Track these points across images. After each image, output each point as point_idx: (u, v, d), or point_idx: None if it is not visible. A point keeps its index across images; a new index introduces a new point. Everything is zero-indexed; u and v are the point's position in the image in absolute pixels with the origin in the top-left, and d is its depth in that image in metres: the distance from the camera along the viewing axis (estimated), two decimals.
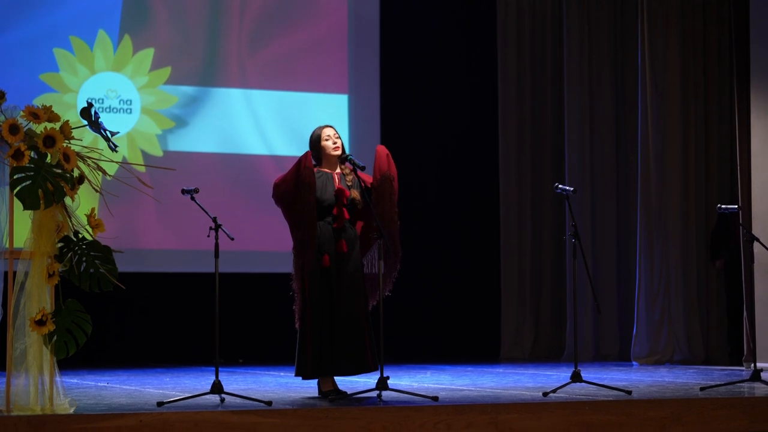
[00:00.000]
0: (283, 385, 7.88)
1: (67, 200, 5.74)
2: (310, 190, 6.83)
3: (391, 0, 11.81)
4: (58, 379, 5.72)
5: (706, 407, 6.55)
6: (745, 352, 10.44)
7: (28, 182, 5.57)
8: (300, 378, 6.93)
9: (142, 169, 9.89)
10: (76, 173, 5.78)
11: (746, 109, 10.65)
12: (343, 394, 6.80)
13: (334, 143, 7.05)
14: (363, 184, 6.98)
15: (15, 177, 5.58)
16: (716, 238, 11.02)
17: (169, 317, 11.01)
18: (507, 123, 12.02)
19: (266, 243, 10.95)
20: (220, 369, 6.57)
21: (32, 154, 5.66)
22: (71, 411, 5.69)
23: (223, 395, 6.46)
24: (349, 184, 7.03)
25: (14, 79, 10.07)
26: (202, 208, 6.72)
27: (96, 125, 5.92)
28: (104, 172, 5.94)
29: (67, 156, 5.68)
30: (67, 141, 5.73)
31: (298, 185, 6.82)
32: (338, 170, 7.07)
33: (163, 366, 10.19)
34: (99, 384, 8.08)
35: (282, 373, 9.02)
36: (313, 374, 6.88)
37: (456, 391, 7.34)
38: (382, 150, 7.08)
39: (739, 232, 10.22)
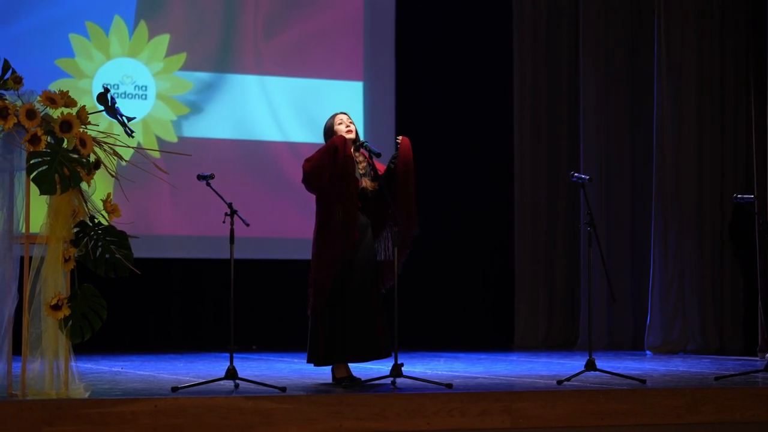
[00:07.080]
0: (297, 372, 7.89)
1: (83, 185, 5.75)
2: (349, 181, 6.79)
3: None
4: (73, 364, 5.74)
5: (722, 397, 6.54)
6: (759, 342, 10.41)
7: (44, 167, 5.59)
8: (312, 365, 6.94)
9: (157, 155, 9.86)
10: (92, 158, 5.80)
11: (762, 97, 10.60)
12: (357, 381, 6.80)
13: (347, 127, 7.00)
14: (373, 173, 6.93)
15: (31, 162, 5.59)
16: (735, 231, 11.00)
17: (183, 303, 11.03)
18: (522, 110, 12.00)
19: (281, 229, 10.95)
20: (234, 355, 6.58)
21: (49, 139, 5.67)
22: (86, 396, 5.71)
23: (237, 381, 6.47)
24: (362, 172, 6.98)
25: (30, 64, 10.04)
26: (218, 194, 6.72)
27: (112, 111, 5.93)
28: (120, 158, 5.95)
29: (83, 141, 5.69)
30: (83, 126, 5.74)
31: (334, 177, 6.78)
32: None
33: (177, 352, 10.21)
34: (114, 369, 8.10)
35: (296, 360, 9.02)
36: (325, 361, 6.87)
37: (470, 379, 7.34)
38: (407, 142, 7.02)
39: (755, 221, 10.18)
